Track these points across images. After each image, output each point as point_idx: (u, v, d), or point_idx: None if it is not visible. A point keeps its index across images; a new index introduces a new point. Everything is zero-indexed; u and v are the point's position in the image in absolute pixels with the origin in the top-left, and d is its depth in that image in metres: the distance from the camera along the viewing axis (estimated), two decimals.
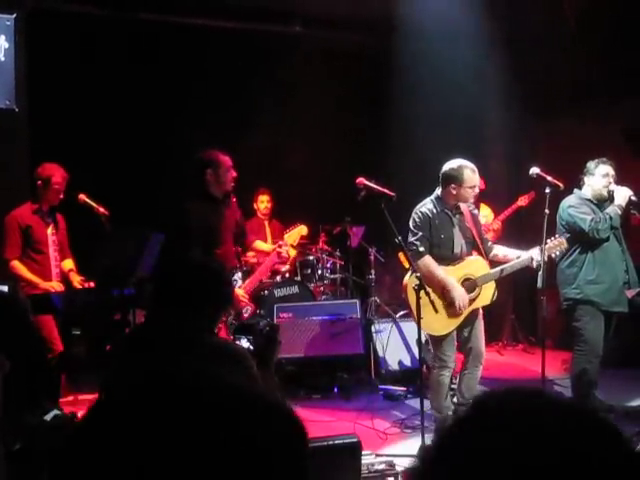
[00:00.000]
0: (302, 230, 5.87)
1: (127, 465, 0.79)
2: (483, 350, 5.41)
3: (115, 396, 0.91)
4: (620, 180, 5.60)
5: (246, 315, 5.32)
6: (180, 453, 0.79)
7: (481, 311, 5.50)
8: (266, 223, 8.30)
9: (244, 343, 4.63)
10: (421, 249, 5.06)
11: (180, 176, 7.96)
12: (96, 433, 0.84)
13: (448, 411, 5.40)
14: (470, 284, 5.22)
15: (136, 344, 2.85)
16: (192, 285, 2.81)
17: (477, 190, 5.26)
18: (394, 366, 6.84)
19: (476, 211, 5.57)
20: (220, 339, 2.86)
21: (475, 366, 5.36)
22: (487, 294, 5.29)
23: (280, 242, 5.61)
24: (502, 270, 5.27)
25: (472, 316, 5.30)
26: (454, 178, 5.15)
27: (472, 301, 5.23)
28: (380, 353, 6.84)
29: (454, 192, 5.17)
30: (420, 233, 5.14)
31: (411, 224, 5.21)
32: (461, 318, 5.21)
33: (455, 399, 5.58)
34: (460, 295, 5.12)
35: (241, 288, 5.29)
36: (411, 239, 5.11)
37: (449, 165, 5.22)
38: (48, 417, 3.64)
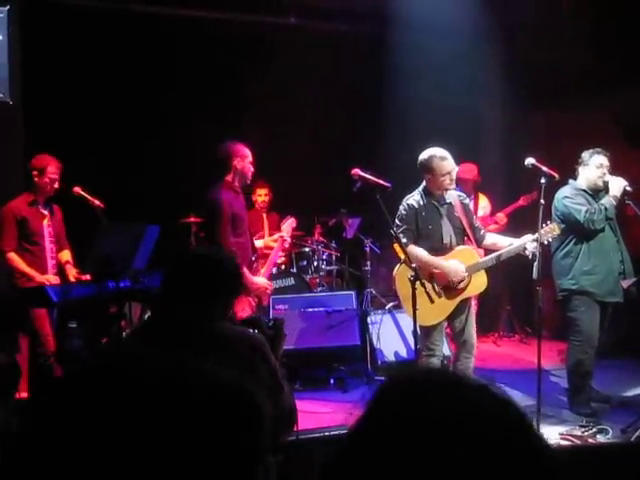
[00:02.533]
0: (292, 223, 5.95)
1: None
2: (475, 341, 5.47)
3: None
4: (615, 170, 5.61)
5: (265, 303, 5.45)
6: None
7: (473, 302, 5.52)
8: (264, 216, 8.29)
9: None
10: (404, 240, 5.09)
11: (175, 169, 8.02)
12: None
13: None
14: None
15: (148, 336, 2.86)
16: (203, 276, 2.83)
17: (454, 176, 5.29)
18: (390, 357, 6.84)
19: (467, 200, 5.60)
20: (238, 328, 2.90)
21: (467, 357, 5.40)
22: (478, 283, 5.32)
23: (282, 234, 5.77)
24: (496, 258, 5.30)
25: (463, 306, 5.33)
26: (426, 168, 5.26)
27: (462, 290, 5.26)
28: (376, 344, 6.83)
29: (430, 181, 5.25)
30: (404, 226, 5.21)
31: (397, 216, 5.26)
32: (452, 307, 5.25)
33: None
34: (453, 270, 5.16)
35: (262, 277, 5.39)
36: (397, 231, 5.13)
37: (421, 155, 5.31)
38: None
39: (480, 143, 8.80)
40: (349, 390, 6.50)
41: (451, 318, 5.34)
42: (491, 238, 5.53)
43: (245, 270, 5.14)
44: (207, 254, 3.02)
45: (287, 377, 3.13)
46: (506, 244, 5.34)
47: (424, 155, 5.29)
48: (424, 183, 5.33)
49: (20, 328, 5.64)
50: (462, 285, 5.25)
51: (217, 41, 8.37)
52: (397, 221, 5.25)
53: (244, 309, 4.98)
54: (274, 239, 5.75)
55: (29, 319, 5.55)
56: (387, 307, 7.10)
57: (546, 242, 5.23)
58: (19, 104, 6.79)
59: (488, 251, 5.61)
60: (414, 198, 5.31)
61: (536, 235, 5.03)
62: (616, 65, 7.50)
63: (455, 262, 5.21)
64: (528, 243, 5.14)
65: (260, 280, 5.27)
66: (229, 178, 5.26)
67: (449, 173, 5.22)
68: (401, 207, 5.30)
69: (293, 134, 8.69)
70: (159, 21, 8.09)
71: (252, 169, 5.34)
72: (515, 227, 7.37)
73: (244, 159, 5.27)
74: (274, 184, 8.31)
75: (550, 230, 5.23)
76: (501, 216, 7.72)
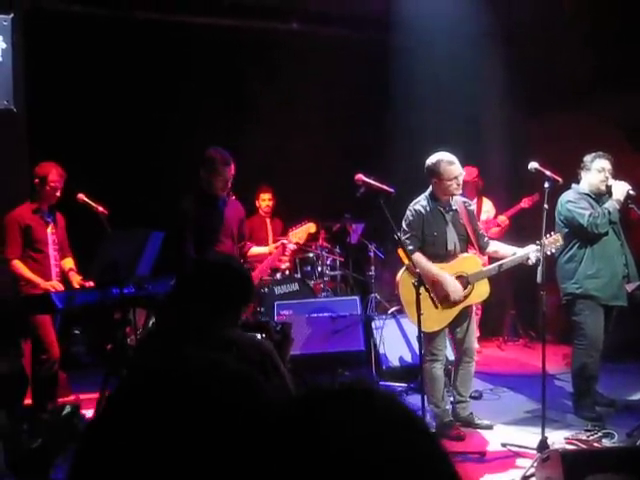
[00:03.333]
0: (310, 228, 5.73)
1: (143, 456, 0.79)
2: (475, 346, 5.56)
3: (127, 392, 0.91)
4: (619, 174, 5.60)
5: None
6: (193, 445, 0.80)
7: (475, 308, 5.53)
8: (268, 221, 8.29)
9: None
10: (410, 247, 5.09)
11: (179, 175, 8.03)
12: (111, 428, 0.85)
13: (446, 405, 5.42)
14: (462, 281, 5.26)
15: (160, 343, 2.91)
16: (216, 284, 2.89)
17: (460, 181, 5.28)
18: (395, 362, 6.84)
19: (472, 207, 5.59)
20: (248, 335, 2.95)
21: (467, 362, 5.44)
22: (480, 291, 5.33)
23: (283, 241, 5.55)
24: (499, 267, 5.31)
25: (465, 313, 5.35)
26: (433, 172, 5.25)
27: (464, 298, 5.27)
28: (380, 350, 6.83)
29: (437, 186, 5.24)
30: (411, 232, 5.21)
31: (404, 222, 5.26)
32: (454, 314, 5.26)
33: (452, 398, 5.58)
34: (454, 288, 5.17)
35: None
36: (402, 237, 5.13)
37: (429, 159, 5.30)
38: (63, 412, 3.64)
39: (482, 146, 8.80)
40: None
41: (452, 325, 5.35)
42: (494, 246, 5.51)
43: None
44: (219, 261, 3.06)
45: (295, 383, 3.16)
46: (509, 253, 5.33)
47: (432, 159, 5.28)
48: (430, 188, 5.32)
49: (21, 333, 5.64)
50: (465, 293, 5.25)
51: (220, 47, 8.40)
52: (404, 226, 5.25)
53: None
54: (277, 245, 5.57)
55: (30, 325, 5.55)
56: (390, 311, 7.08)
57: (549, 253, 5.21)
58: (23, 111, 6.82)
59: (491, 258, 5.61)
60: (421, 204, 5.30)
61: (539, 242, 5.02)
62: (619, 68, 7.49)
63: (455, 283, 5.20)
64: (532, 253, 5.13)
65: None
66: (200, 185, 5.19)
67: (456, 178, 5.21)
68: (408, 212, 5.29)
69: (297, 139, 8.70)
70: (162, 28, 8.12)
71: (228, 184, 5.16)
72: (518, 231, 7.38)
73: (212, 172, 5.12)
74: (278, 189, 8.31)
75: (554, 241, 5.22)
76: (503, 218, 7.73)
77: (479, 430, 5.42)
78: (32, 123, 6.92)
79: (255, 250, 5.67)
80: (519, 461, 4.72)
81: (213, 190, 5.19)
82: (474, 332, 5.49)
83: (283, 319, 6.46)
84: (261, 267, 5.54)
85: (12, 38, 6.66)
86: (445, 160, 5.22)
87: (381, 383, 6.67)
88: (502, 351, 8.34)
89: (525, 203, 7.66)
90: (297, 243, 5.62)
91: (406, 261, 4.97)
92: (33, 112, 6.94)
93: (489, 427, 5.44)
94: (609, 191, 5.53)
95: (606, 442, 4.94)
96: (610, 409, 5.68)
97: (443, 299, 5.17)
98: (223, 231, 5.24)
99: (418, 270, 4.76)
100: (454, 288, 5.18)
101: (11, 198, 6.04)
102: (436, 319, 5.18)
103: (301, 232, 5.65)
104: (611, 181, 5.53)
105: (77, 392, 6.36)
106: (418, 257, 5.12)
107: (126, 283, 4.87)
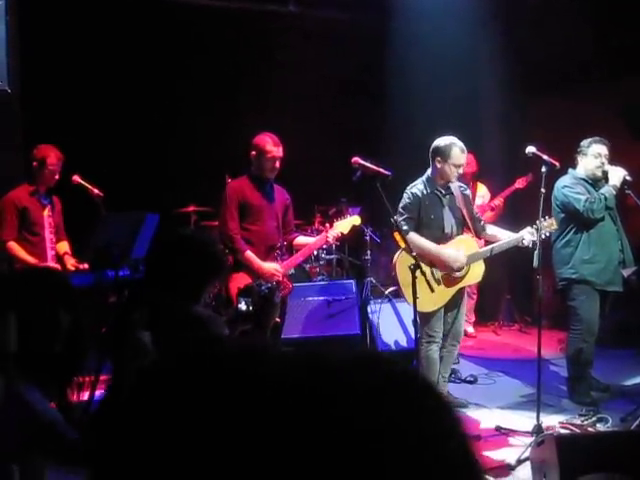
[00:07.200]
0: (355, 220, 5.74)
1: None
2: (462, 330, 5.61)
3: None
4: (617, 160, 5.59)
5: (284, 292, 5.40)
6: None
7: (468, 290, 5.56)
8: None
9: (242, 305, 4.74)
10: (405, 228, 5.10)
11: (174, 157, 8.00)
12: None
13: (443, 388, 5.44)
14: None
15: (125, 318, 2.96)
16: (169, 258, 2.92)
17: (461, 171, 5.30)
18: (390, 346, 6.85)
19: (467, 191, 5.60)
20: (196, 309, 2.96)
21: (453, 345, 5.53)
22: (476, 272, 5.37)
23: (328, 228, 5.62)
24: (492, 249, 5.32)
25: (459, 296, 5.39)
26: (441, 152, 5.23)
27: (461, 279, 5.29)
28: (376, 333, 6.83)
29: (438, 166, 5.24)
30: (407, 215, 5.22)
31: (400, 204, 5.27)
32: (450, 294, 5.30)
33: None
34: (454, 257, 5.21)
35: (280, 265, 5.34)
36: (398, 219, 5.12)
37: (440, 139, 5.31)
38: None
39: (479, 130, 8.77)
40: None
41: (445, 307, 5.36)
42: (490, 230, 5.54)
43: (251, 255, 5.19)
44: (180, 236, 3.07)
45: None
46: (505, 237, 5.36)
47: (444, 140, 5.27)
48: (428, 172, 5.32)
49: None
50: (460, 274, 5.27)
51: (216, 29, 8.34)
52: (400, 209, 5.25)
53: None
54: (322, 237, 5.60)
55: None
56: (387, 292, 7.06)
57: (543, 236, 5.21)
58: (18, 93, 6.76)
59: (488, 242, 5.62)
60: (418, 187, 5.30)
61: (535, 226, 5.02)
62: (620, 54, 7.46)
63: (453, 250, 5.23)
64: (526, 234, 5.15)
65: (268, 265, 5.25)
66: (251, 167, 5.39)
67: (460, 166, 5.24)
68: (405, 195, 5.30)
69: (293, 122, 8.65)
70: (156, 9, 8.05)
71: (273, 165, 5.32)
72: (513, 215, 7.36)
73: (260, 153, 5.31)
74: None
75: (549, 225, 5.23)
76: (497, 202, 7.69)
77: (474, 413, 5.44)
78: (27, 104, 6.87)
79: (301, 240, 5.74)
80: (514, 445, 4.74)
81: (261, 172, 5.37)
82: (464, 317, 5.56)
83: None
84: (302, 251, 5.56)
85: (6, 18, 6.59)
86: (458, 146, 5.23)
87: None
88: (498, 336, 8.36)
89: (519, 184, 7.60)
90: (341, 233, 5.63)
91: (402, 244, 4.96)
92: (28, 93, 6.89)
93: (464, 405, 5.48)
94: (605, 176, 5.52)
95: (600, 427, 4.96)
96: (604, 394, 5.69)
97: (445, 275, 5.19)
98: (268, 213, 5.39)
99: (415, 252, 4.75)
100: (455, 257, 5.21)
101: (4, 179, 6.02)
102: (432, 299, 5.19)
103: (346, 223, 5.67)
104: (607, 166, 5.52)
105: None
106: (412, 236, 5.12)
107: (121, 266, 4.85)
